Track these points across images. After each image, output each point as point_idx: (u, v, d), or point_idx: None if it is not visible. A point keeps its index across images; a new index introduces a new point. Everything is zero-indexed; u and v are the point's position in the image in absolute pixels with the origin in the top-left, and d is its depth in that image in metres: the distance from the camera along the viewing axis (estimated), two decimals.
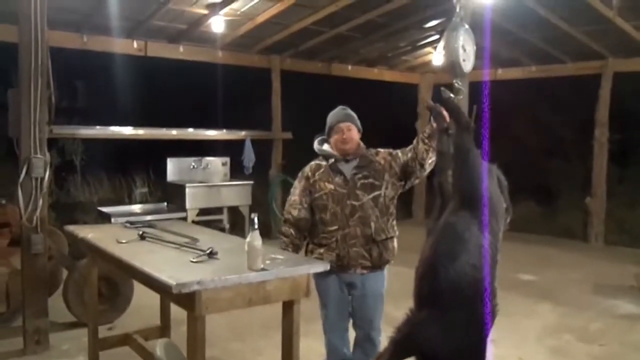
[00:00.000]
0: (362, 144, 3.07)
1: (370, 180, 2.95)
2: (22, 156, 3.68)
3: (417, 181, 3.09)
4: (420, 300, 2.61)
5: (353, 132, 3.01)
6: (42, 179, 3.70)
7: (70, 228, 3.35)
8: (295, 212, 3.00)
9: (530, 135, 10.65)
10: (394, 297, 3.12)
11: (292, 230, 3.00)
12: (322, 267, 2.54)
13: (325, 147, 3.06)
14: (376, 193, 2.94)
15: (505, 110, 9.69)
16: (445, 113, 2.72)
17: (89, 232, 3.12)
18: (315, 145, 3.10)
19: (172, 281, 2.06)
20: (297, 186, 3.06)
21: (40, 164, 3.66)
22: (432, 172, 2.93)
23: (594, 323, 4.65)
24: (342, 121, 3.01)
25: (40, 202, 3.71)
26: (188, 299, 2.11)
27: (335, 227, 2.91)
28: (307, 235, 3.04)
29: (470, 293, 2.50)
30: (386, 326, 2.87)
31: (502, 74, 8.69)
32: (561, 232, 8.48)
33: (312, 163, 3.09)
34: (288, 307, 2.43)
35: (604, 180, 7.84)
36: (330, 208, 2.92)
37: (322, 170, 3.01)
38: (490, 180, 2.64)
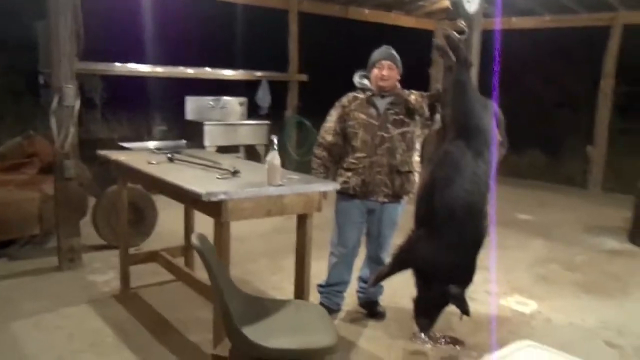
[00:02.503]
0: (398, 84, 3.30)
1: (401, 117, 3.20)
2: (53, 86, 3.91)
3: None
4: (419, 220, 2.96)
5: (393, 72, 3.23)
6: (73, 107, 3.95)
7: (103, 152, 3.66)
8: (329, 137, 3.29)
9: (540, 85, 10.75)
10: (400, 229, 3.39)
11: (324, 154, 3.30)
12: (332, 186, 2.88)
13: (365, 81, 3.30)
14: (405, 129, 3.20)
15: (516, 60, 9.77)
16: (450, 52, 2.96)
17: (120, 156, 3.45)
18: (356, 78, 3.34)
19: (202, 190, 2.39)
20: (333, 114, 3.33)
21: (71, 93, 3.90)
22: None
23: (580, 256, 5.04)
24: (385, 59, 3.22)
25: (72, 129, 3.98)
26: (215, 207, 2.43)
27: (363, 155, 3.19)
28: (337, 160, 3.32)
29: (463, 215, 2.83)
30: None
31: (516, 22, 8.71)
32: (563, 179, 8.81)
33: (350, 94, 3.34)
34: (302, 220, 2.77)
35: (605, 130, 8.07)
36: (361, 136, 3.19)
37: (358, 101, 3.27)
38: (486, 113, 2.90)
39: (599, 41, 8.07)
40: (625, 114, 9.31)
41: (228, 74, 7.66)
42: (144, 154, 3.55)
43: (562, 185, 8.60)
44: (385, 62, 3.21)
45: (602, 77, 8.00)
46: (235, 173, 2.77)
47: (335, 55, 10.42)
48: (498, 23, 7.75)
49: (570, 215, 6.63)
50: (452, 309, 2.99)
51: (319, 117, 3.53)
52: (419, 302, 2.97)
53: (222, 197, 2.40)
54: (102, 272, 4.15)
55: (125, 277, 3.74)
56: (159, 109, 8.42)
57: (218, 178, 2.73)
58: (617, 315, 3.73)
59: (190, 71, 7.28)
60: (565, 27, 8.38)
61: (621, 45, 7.80)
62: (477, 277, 3.00)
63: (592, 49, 8.57)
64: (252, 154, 7.45)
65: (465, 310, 2.92)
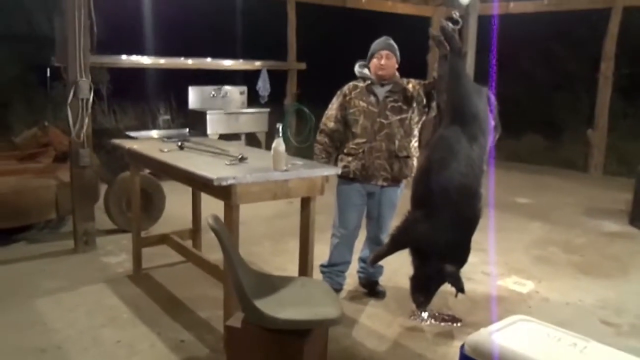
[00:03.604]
0: (397, 73, 3.45)
1: (400, 104, 3.36)
2: (69, 80, 4.10)
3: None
4: (416, 201, 3.11)
5: (391, 61, 3.38)
6: (88, 100, 4.14)
7: (116, 141, 3.84)
8: (330, 124, 3.46)
9: (540, 69, 10.82)
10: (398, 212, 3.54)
11: (326, 139, 3.47)
12: (334, 170, 3.05)
13: (365, 70, 3.45)
14: (403, 116, 3.36)
15: (515, 43, 9.83)
16: (445, 41, 3.10)
17: (134, 144, 3.62)
18: (356, 68, 3.48)
19: (213, 176, 2.56)
20: (335, 102, 3.49)
21: (85, 87, 4.10)
22: None
23: (579, 238, 5.15)
24: (383, 49, 3.38)
25: (86, 120, 4.17)
26: (225, 191, 2.61)
27: (363, 140, 3.36)
28: (338, 146, 3.49)
29: (457, 196, 2.98)
30: None
31: (514, 7, 8.76)
32: (563, 163, 8.86)
33: (351, 83, 3.50)
34: (306, 202, 2.94)
35: (606, 113, 8.11)
36: (361, 123, 3.36)
37: (358, 90, 3.43)
38: (480, 99, 3.05)
39: (598, 23, 8.13)
40: (626, 96, 9.37)
41: (228, 64, 7.83)
42: (155, 143, 3.72)
43: (563, 169, 8.67)
44: (384, 52, 3.36)
45: (602, 59, 8.05)
46: (242, 159, 2.95)
47: (333, 43, 10.57)
48: (496, 8, 7.83)
49: (570, 198, 6.72)
50: (449, 288, 3.13)
51: (318, 104, 3.67)
52: (415, 280, 3.13)
53: (231, 181, 2.57)
54: (115, 254, 4.35)
55: (137, 259, 3.94)
56: (163, 99, 8.62)
57: (227, 164, 2.90)
58: (615, 296, 3.80)
59: (190, 62, 7.45)
60: (565, 10, 8.42)
61: (621, 28, 7.84)
62: (475, 258, 3.14)
63: (591, 31, 8.62)
64: (253, 141, 7.62)
65: (460, 288, 3.07)
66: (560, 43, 10.41)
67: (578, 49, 10.03)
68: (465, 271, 3.25)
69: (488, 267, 4.25)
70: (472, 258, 3.17)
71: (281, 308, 2.20)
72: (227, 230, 2.45)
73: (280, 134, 2.72)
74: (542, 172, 8.52)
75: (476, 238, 3.10)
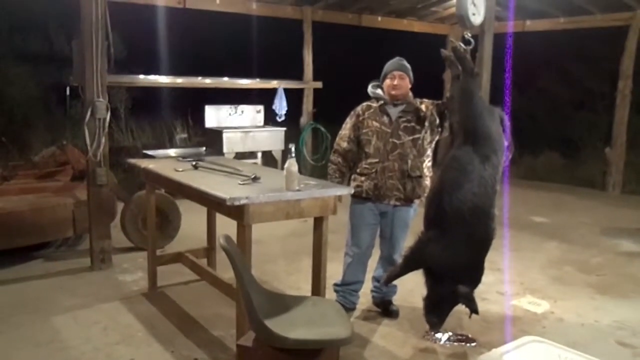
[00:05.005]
0: (410, 93, 3.48)
1: (413, 124, 3.38)
2: (86, 100, 4.19)
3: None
4: (428, 222, 3.11)
5: (404, 82, 3.42)
6: (104, 119, 4.22)
7: (132, 161, 3.91)
8: (344, 144, 3.50)
9: (557, 86, 10.76)
10: (412, 232, 3.55)
11: (339, 159, 3.51)
12: (346, 190, 3.06)
13: (378, 91, 3.49)
14: (416, 136, 3.38)
15: (532, 61, 9.81)
16: (457, 62, 3.11)
17: (149, 164, 3.68)
18: (370, 88, 3.52)
19: (226, 196, 2.59)
20: (349, 122, 3.53)
21: (102, 107, 4.18)
22: None
23: (595, 258, 5.06)
24: (396, 69, 3.42)
25: (103, 140, 4.24)
26: (238, 211, 2.64)
27: (376, 160, 3.38)
28: (352, 166, 3.52)
29: (470, 217, 2.97)
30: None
31: (531, 25, 8.78)
32: (581, 181, 8.74)
33: (364, 104, 3.54)
34: (318, 222, 2.96)
35: (624, 131, 8.02)
36: (374, 143, 3.39)
37: (371, 110, 3.47)
38: (492, 119, 3.05)
39: (616, 41, 8.08)
40: None
41: (245, 83, 7.93)
42: (170, 162, 3.77)
43: (580, 187, 8.55)
44: (397, 73, 3.39)
45: (620, 77, 8.00)
46: (255, 179, 2.98)
47: (349, 62, 10.69)
48: (511, 26, 7.85)
49: (588, 217, 6.62)
50: (464, 308, 3.11)
51: (334, 123, 3.69)
52: (428, 301, 3.11)
53: (244, 201, 2.60)
54: (131, 272, 4.40)
55: (153, 277, 3.98)
56: (180, 118, 8.77)
57: (240, 184, 2.94)
58: (633, 317, 3.73)
59: (208, 81, 7.55)
60: (582, 28, 8.39)
61: (639, 45, 7.79)
62: (490, 278, 3.11)
63: (609, 49, 8.57)
64: (269, 159, 7.67)
65: (473, 309, 3.04)
66: (577, 61, 10.35)
67: (595, 67, 9.96)
68: (480, 291, 3.22)
69: (503, 286, 4.21)
70: (487, 277, 3.14)
71: (292, 327, 2.21)
72: (240, 250, 2.47)
73: (293, 155, 2.75)
74: (559, 190, 8.42)
75: (491, 257, 3.07)
